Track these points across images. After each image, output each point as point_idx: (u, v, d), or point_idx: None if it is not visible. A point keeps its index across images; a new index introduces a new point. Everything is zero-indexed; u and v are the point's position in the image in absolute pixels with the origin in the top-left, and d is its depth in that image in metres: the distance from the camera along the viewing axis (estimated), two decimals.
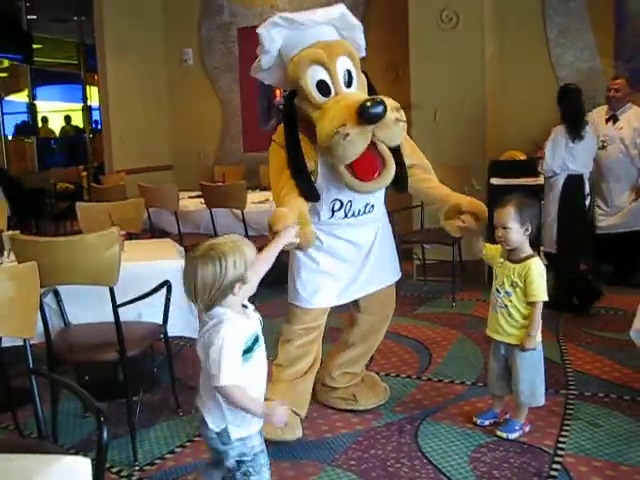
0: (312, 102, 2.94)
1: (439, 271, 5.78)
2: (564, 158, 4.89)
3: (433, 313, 5.12)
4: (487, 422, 3.23)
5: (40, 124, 13.47)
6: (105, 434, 1.78)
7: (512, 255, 3.05)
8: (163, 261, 3.59)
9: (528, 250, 3.04)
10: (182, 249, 4.00)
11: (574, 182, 4.92)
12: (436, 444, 3.08)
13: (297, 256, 3.17)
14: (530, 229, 2.97)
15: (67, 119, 14.49)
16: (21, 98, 13.25)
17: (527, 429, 3.15)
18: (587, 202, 5.11)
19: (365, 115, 2.67)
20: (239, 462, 2.18)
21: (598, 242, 5.75)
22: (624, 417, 3.26)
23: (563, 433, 3.13)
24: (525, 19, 6.26)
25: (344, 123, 2.70)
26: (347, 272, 3.23)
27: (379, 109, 2.66)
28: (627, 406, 3.39)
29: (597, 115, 5.65)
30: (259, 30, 2.99)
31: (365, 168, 2.87)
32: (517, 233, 2.96)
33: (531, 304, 3.00)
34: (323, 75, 2.94)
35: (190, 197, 6.35)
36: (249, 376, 2.10)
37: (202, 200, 5.77)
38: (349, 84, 2.99)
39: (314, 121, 2.92)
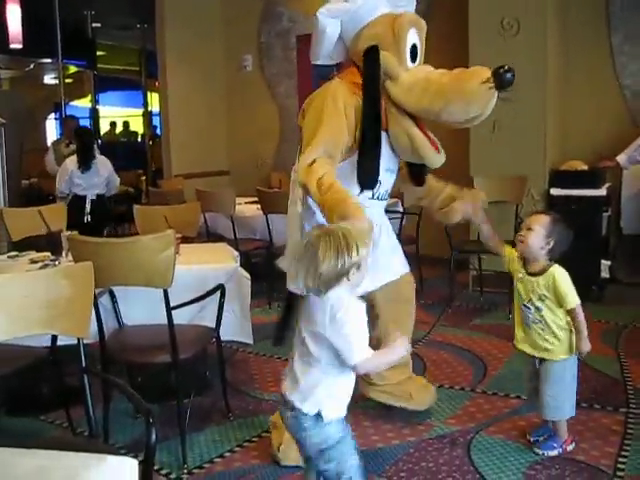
0: (401, 62, 2.91)
1: (496, 282, 5.66)
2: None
3: (489, 324, 5.02)
4: (541, 439, 3.13)
5: (102, 128, 13.75)
6: (154, 436, 1.78)
7: (530, 268, 2.96)
8: (218, 265, 3.60)
9: (546, 261, 2.93)
10: (237, 254, 4.00)
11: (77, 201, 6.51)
12: (489, 459, 3.01)
13: None
14: (551, 246, 2.88)
15: (125, 124, 14.77)
16: (84, 103, 13.56)
17: (569, 447, 3.05)
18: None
19: (503, 80, 2.62)
20: (321, 451, 2.19)
21: None
22: None
23: (623, 453, 3.01)
24: (589, 26, 6.10)
25: (488, 78, 2.64)
26: None
27: (512, 77, 2.63)
28: None
29: None
30: None
31: (433, 140, 2.91)
32: (538, 239, 2.87)
33: (569, 311, 2.90)
34: (417, 41, 2.95)
35: (247, 202, 6.38)
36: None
37: (258, 206, 5.78)
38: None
39: (400, 81, 2.87)
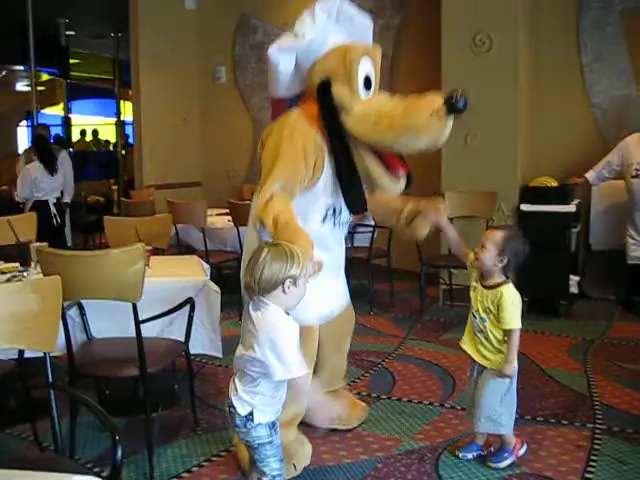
0: (354, 94, 2.93)
1: (466, 296, 5.65)
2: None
3: (459, 339, 5.01)
4: (470, 455, 3.15)
5: (75, 137, 13.65)
6: (120, 453, 1.77)
7: (485, 280, 3.01)
8: (188, 279, 3.58)
9: (500, 277, 2.98)
10: (208, 267, 3.99)
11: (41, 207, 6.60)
12: (457, 475, 3.01)
13: None
14: (506, 263, 2.93)
15: (94, 133, 14.71)
16: (57, 111, 13.45)
17: (521, 452, 3.10)
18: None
19: (455, 107, 2.65)
20: (250, 447, 2.48)
21: (630, 272, 5.65)
22: None
23: (589, 469, 3.04)
24: (560, 43, 6.19)
25: (438, 108, 2.67)
26: (328, 288, 3.12)
27: (465, 103, 2.67)
28: None
29: (632, 142, 5.57)
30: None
31: (396, 164, 2.93)
32: (491, 258, 2.93)
33: (506, 331, 2.95)
34: (370, 71, 2.97)
35: (218, 214, 6.36)
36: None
37: (230, 218, 5.77)
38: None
39: (354, 113, 2.90)
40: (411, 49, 6.96)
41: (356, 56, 2.92)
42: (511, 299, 2.94)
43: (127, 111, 11.96)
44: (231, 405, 2.41)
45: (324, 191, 2.99)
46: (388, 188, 3.01)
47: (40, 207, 6.54)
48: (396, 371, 4.35)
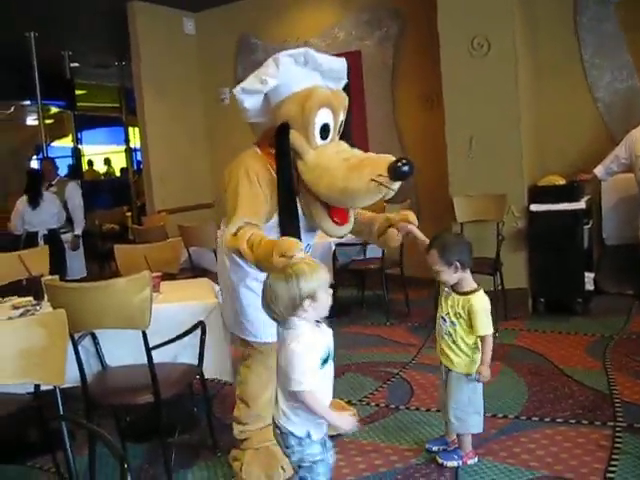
0: (310, 142, 2.96)
1: None
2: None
3: None
4: (435, 448, 3.26)
5: (85, 167, 13.78)
6: None
7: (457, 287, 3.05)
8: (198, 302, 3.60)
9: (471, 284, 3.05)
10: (219, 288, 4.00)
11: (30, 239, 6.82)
12: None
13: (242, 294, 3.13)
14: (460, 266, 2.97)
15: (107, 161, 14.83)
16: (66, 143, 13.59)
17: (469, 461, 3.14)
18: None
19: (398, 174, 2.72)
20: (299, 466, 2.44)
21: None
22: None
23: (611, 468, 3.00)
24: (558, 41, 6.19)
25: (380, 174, 2.73)
26: None
27: (410, 169, 2.72)
28: None
29: (638, 134, 5.55)
30: (283, 56, 2.98)
31: (342, 213, 3.01)
32: (447, 274, 2.99)
33: (481, 337, 3.01)
34: (329, 119, 2.99)
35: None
36: (320, 384, 2.36)
37: None
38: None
39: (306, 160, 2.95)
40: (411, 56, 6.98)
41: (314, 106, 2.94)
42: (480, 307, 2.99)
43: (137, 137, 12.07)
44: (281, 428, 2.42)
45: (277, 226, 3.02)
46: (330, 232, 3.09)
47: (30, 239, 6.81)
48: (414, 380, 4.33)
